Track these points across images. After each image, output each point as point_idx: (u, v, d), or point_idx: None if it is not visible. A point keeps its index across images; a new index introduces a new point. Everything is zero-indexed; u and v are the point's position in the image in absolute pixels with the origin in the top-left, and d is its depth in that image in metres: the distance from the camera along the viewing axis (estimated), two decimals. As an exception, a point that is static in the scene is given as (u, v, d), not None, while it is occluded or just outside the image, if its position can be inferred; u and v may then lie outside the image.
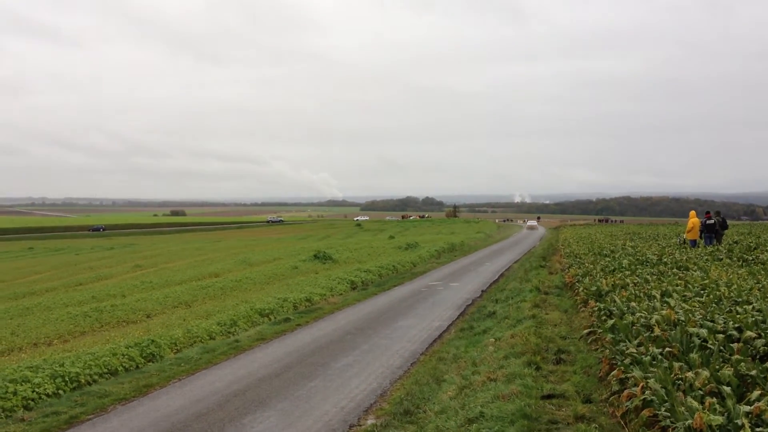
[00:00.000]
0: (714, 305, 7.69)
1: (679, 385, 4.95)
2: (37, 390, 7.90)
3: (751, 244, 18.53)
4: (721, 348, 5.71)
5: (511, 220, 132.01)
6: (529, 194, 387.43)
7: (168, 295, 18.77)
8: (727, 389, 4.52)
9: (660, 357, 5.68)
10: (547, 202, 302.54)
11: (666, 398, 4.70)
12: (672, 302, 7.97)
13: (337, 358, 9.85)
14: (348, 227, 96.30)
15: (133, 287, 23.16)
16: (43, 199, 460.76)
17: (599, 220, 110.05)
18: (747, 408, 4.18)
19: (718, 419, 4.04)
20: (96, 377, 8.75)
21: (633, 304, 8.39)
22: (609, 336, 7.17)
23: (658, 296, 8.87)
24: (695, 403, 4.33)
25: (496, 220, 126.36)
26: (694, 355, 5.51)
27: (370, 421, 6.84)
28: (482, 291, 17.53)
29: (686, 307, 7.61)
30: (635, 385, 5.26)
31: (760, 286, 9.06)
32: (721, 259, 14.85)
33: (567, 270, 16.91)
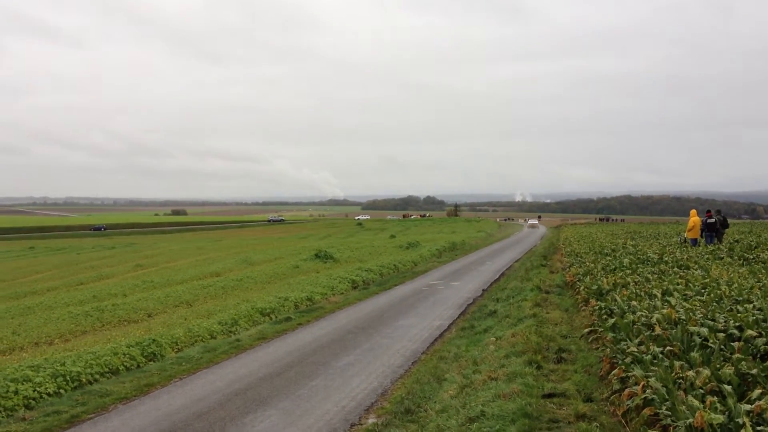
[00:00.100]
0: (715, 304, 7.68)
1: (680, 383, 4.96)
2: (38, 389, 7.91)
3: (752, 243, 18.51)
4: (722, 347, 5.71)
5: (512, 219, 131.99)
6: (530, 193, 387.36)
7: (169, 295, 18.77)
8: (728, 388, 4.53)
9: (661, 356, 5.69)
10: (548, 201, 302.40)
11: (667, 397, 4.70)
12: (673, 301, 7.98)
13: (338, 357, 9.86)
14: (349, 226, 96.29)
15: (135, 286, 23.16)
16: (45, 198, 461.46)
17: (600, 219, 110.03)
18: (748, 407, 4.19)
19: (719, 418, 4.04)
20: (97, 376, 8.76)
21: (634, 303, 8.40)
22: (610, 335, 7.18)
23: (659, 295, 8.87)
24: (696, 402, 4.34)
25: (497, 219, 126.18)
26: (694, 354, 5.52)
27: (371, 420, 6.84)
28: (483, 290, 17.53)
29: (687, 305, 7.61)
30: (636, 383, 5.26)
31: (761, 284, 9.06)
32: (722, 257, 14.84)
33: (568, 269, 16.91)
